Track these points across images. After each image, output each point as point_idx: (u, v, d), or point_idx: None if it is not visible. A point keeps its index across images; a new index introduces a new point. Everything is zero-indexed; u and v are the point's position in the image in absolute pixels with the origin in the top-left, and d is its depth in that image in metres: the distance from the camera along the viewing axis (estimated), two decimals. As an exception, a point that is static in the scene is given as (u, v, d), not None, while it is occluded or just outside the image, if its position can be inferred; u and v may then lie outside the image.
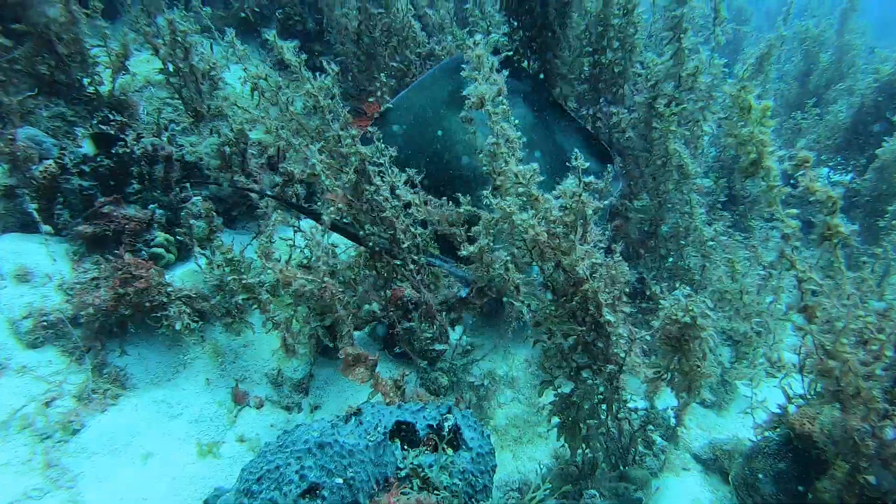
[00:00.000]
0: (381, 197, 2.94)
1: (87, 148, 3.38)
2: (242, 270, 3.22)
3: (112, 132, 3.42)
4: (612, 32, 4.18)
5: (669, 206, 3.96)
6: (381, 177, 2.97)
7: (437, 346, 3.28)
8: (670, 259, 4.17)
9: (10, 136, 3.34)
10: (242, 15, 6.09)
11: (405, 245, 3.03)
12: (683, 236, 4.01)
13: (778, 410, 2.72)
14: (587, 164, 2.25)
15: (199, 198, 3.81)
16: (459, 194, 3.73)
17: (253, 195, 3.71)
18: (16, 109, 3.69)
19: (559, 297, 2.54)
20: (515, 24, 4.30)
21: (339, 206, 2.93)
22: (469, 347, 3.59)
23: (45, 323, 3.20)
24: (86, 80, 4.42)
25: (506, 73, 2.51)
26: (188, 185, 3.87)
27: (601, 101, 4.42)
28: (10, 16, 4.22)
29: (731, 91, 2.01)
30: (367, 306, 3.54)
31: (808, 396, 2.56)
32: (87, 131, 3.53)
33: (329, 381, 3.57)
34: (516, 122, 2.50)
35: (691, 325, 2.42)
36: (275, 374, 3.47)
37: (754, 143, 2.04)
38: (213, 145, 3.94)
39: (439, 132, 3.91)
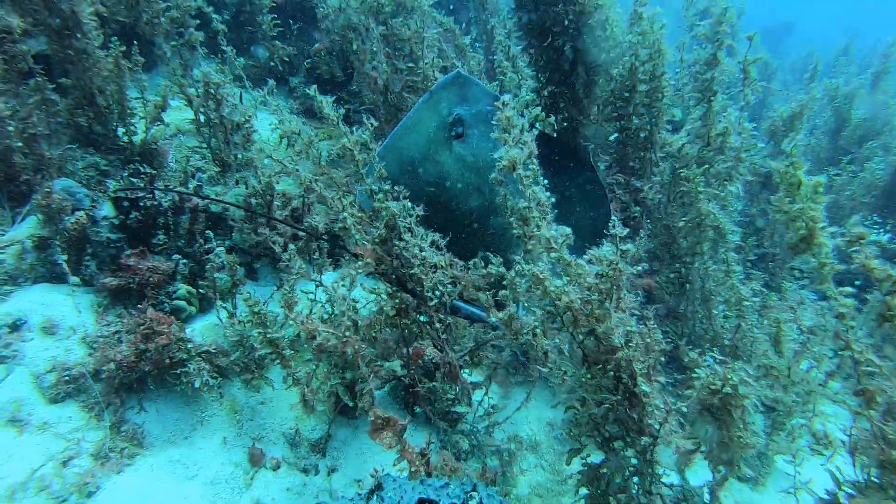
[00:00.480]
0: (409, 253, 2.90)
1: (108, 210, 3.42)
2: (267, 323, 3.18)
3: (132, 196, 3.47)
4: (638, 98, 4.18)
5: (702, 267, 3.86)
6: (410, 233, 2.94)
7: (459, 409, 3.18)
8: (701, 321, 4.05)
9: (48, 189, 3.40)
10: (272, 64, 6.24)
11: (432, 303, 2.98)
12: (717, 297, 3.90)
13: (826, 497, 2.55)
14: (610, 218, 2.20)
15: (223, 249, 3.83)
16: (465, 237, 3.70)
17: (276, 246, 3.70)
18: (55, 162, 3.78)
19: (591, 364, 2.45)
20: (543, 79, 4.31)
21: (368, 260, 2.90)
22: (491, 409, 3.49)
23: (67, 377, 3.20)
24: (121, 131, 4.53)
25: (535, 132, 2.49)
26: (211, 235, 3.89)
27: (629, 165, 4.40)
28: (59, 70, 4.39)
29: (779, 167, 1.95)
30: (387, 364, 3.47)
31: (862, 485, 2.39)
32: (117, 184, 3.59)
33: (347, 442, 3.48)
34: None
35: (732, 395, 2.31)
36: (292, 434, 3.40)
37: (805, 220, 1.96)
38: (240, 196, 3.98)
39: (431, 173, 3.85)
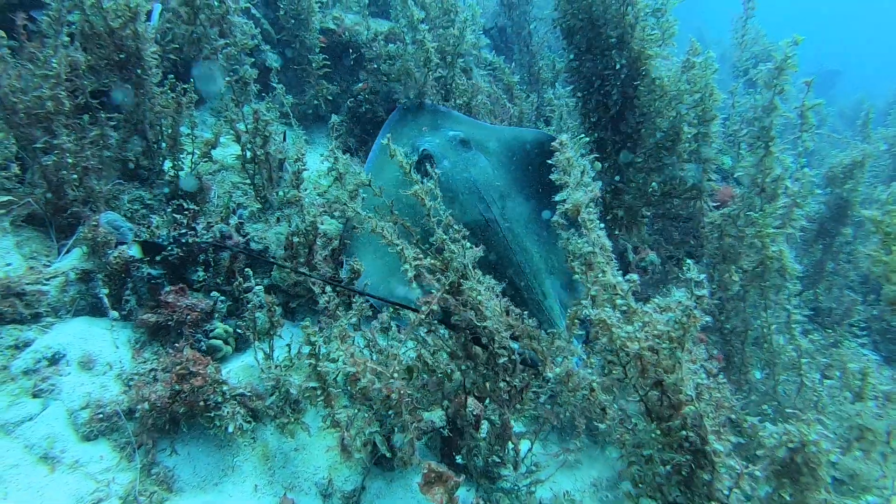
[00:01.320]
0: (477, 301, 2.75)
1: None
2: (320, 356, 3.08)
3: (160, 242, 3.46)
4: (687, 144, 4.05)
5: (761, 317, 3.64)
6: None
7: (504, 472, 3.00)
8: (758, 375, 3.81)
9: (95, 223, 3.42)
10: (315, 102, 6.32)
11: (501, 361, 2.80)
12: (773, 350, 3.66)
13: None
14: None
15: (261, 287, 3.77)
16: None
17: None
18: (104, 196, 3.82)
19: (653, 419, 2.26)
20: (589, 124, 4.23)
21: (434, 307, 2.76)
22: (534, 468, 3.30)
23: (100, 415, 3.14)
24: (167, 165, 4.59)
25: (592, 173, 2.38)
26: (250, 273, 3.85)
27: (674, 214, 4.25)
28: (111, 104, 4.49)
29: (873, 216, 1.79)
30: (426, 414, 3.33)
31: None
32: (161, 220, 3.59)
33: (381, 495, 3.32)
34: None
35: (813, 452, 2.10)
36: (325, 484, 3.25)
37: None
38: (281, 235, 3.95)
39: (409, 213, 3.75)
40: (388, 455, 3.15)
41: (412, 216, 3.86)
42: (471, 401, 3.28)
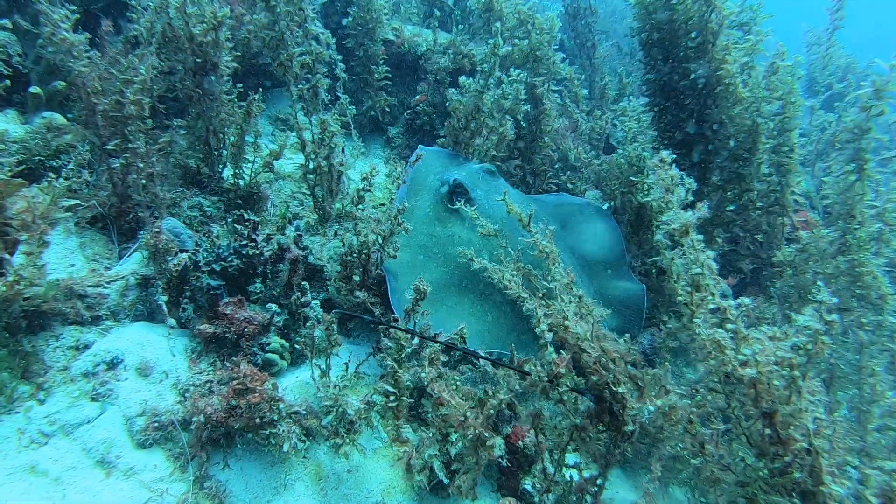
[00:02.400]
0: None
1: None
2: (404, 359, 3.02)
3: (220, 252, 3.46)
4: (765, 156, 3.85)
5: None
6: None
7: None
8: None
9: (157, 229, 3.42)
10: (372, 114, 6.30)
11: (628, 428, 2.34)
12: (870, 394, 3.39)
13: None
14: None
15: (317, 302, 3.71)
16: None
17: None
18: (167, 202, 3.83)
19: (759, 454, 2.07)
20: (663, 139, 4.07)
21: (561, 370, 2.56)
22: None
23: (156, 424, 3.12)
24: (227, 173, 4.60)
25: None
26: (307, 286, 3.80)
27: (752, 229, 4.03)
28: (175, 109, 4.53)
29: None
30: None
31: None
32: (221, 229, 3.57)
33: (433, 524, 3.20)
34: None
35: None
36: (377, 509, 3.15)
37: None
38: (338, 250, 3.88)
39: (445, 250, 3.77)
40: (445, 482, 3.05)
41: (442, 251, 3.80)
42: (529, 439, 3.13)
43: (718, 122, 3.86)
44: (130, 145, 3.59)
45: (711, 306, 2.03)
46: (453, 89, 4.67)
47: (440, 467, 2.97)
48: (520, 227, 4.14)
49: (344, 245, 3.62)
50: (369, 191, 3.72)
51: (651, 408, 2.14)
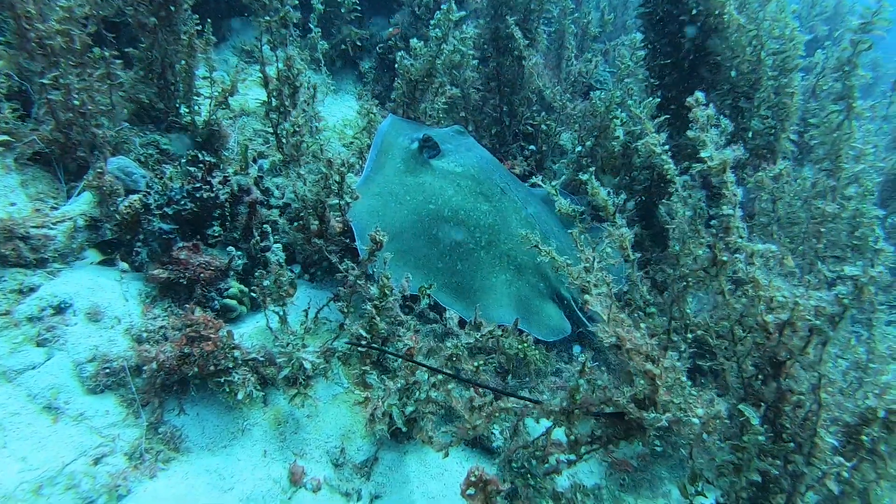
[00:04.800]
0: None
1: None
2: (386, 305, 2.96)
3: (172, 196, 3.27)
4: (765, 93, 3.68)
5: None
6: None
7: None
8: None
9: (100, 170, 3.22)
10: (343, 47, 5.97)
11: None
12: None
13: None
14: None
15: (279, 246, 3.58)
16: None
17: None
18: (110, 140, 3.59)
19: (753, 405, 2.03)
20: (656, 78, 3.91)
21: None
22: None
23: (107, 370, 3.02)
24: (184, 109, 4.34)
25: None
26: (269, 229, 3.65)
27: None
28: (126, 37, 4.21)
29: None
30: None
31: None
32: (175, 171, 3.38)
33: (393, 468, 3.21)
34: None
35: None
36: (337, 453, 3.14)
37: None
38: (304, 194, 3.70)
39: (418, 199, 3.75)
40: (403, 429, 3.03)
41: (413, 197, 3.71)
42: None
43: (719, 53, 3.67)
44: (61, 80, 3.31)
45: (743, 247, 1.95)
46: (402, 52, 4.59)
47: (399, 415, 2.94)
48: (493, 176, 4.08)
49: (297, 198, 3.46)
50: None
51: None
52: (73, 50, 3.38)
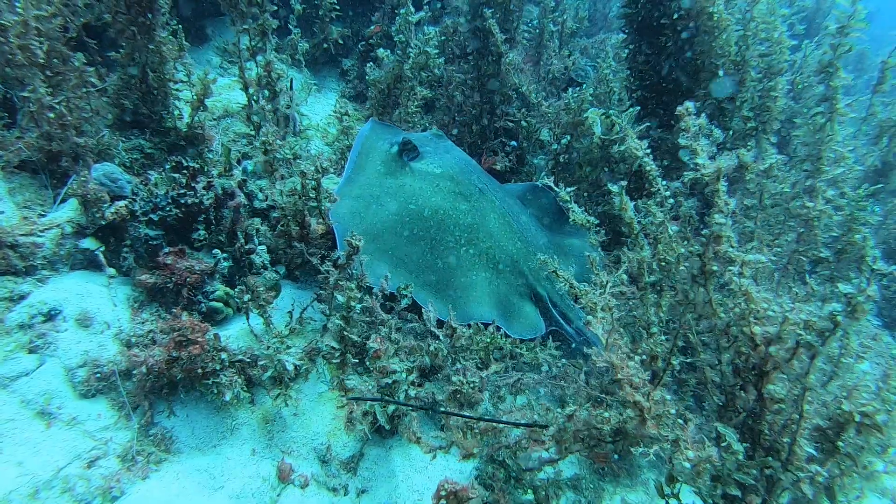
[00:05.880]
0: None
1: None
2: (351, 319, 3.03)
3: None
4: (748, 94, 3.77)
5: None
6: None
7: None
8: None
9: (84, 178, 3.27)
10: (325, 46, 6.00)
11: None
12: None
13: None
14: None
15: (264, 248, 3.67)
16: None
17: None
18: (93, 147, 3.63)
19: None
20: (636, 81, 3.99)
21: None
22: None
23: (98, 374, 3.11)
24: (165, 114, 4.39)
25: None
26: (254, 232, 3.73)
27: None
28: (108, 42, 4.22)
29: None
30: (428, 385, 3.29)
31: None
32: (160, 176, 3.44)
33: (379, 463, 3.32)
34: None
35: None
36: (323, 450, 3.25)
37: None
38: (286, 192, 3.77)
39: (399, 201, 3.84)
40: (387, 427, 3.14)
41: (394, 198, 3.81)
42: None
43: (704, 52, 3.75)
44: (27, 95, 3.33)
45: (732, 258, 1.99)
46: (371, 64, 4.64)
47: (381, 412, 3.04)
48: (471, 177, 4.17)
49: (276, 206, 3.54)
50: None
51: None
52: (36, 63, 3.39)
